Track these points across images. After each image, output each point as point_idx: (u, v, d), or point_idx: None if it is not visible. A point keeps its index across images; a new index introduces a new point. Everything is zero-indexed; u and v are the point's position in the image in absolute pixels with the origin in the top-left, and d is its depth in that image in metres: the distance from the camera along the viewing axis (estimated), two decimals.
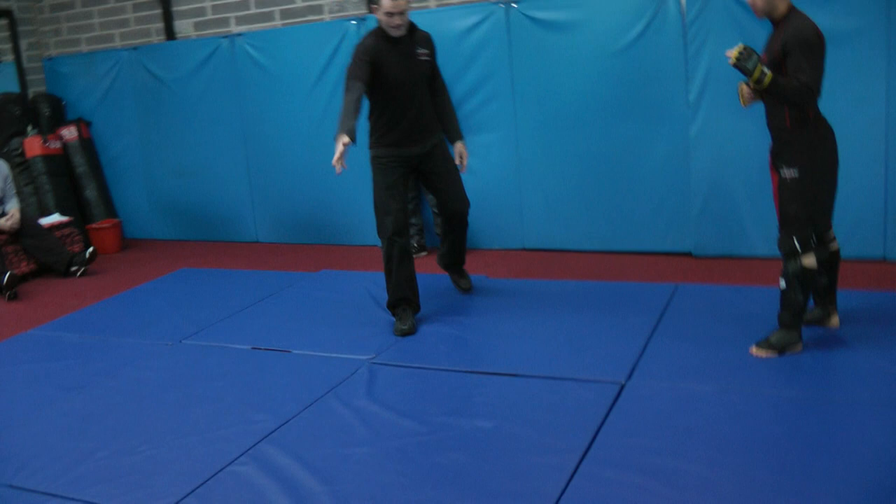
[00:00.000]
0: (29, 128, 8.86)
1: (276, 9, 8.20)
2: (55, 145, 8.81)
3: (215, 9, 8.54)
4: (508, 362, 4.66)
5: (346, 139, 4.73)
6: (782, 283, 4.34)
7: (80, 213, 8.87)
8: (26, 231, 7.60)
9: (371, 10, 5.25)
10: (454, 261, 5.93)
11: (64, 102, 9.23)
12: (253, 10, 8.33)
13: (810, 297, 4.43)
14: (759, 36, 4.65)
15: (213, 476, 3.67)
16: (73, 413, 4.54)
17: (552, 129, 6.84)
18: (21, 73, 9.30)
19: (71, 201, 8.83)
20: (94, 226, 8.77)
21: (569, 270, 6.47)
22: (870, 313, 4.84)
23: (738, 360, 4.38)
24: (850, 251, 5.63)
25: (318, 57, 7.66)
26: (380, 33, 5.17)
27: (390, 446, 3.83)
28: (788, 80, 4.06)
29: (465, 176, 5.68)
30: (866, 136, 5.78)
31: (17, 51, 9.29)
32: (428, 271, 6.36)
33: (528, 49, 6.80)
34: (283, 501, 3.42)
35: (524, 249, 7.20)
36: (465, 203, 5.60)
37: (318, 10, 8.00)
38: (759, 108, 4.47)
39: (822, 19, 4.38)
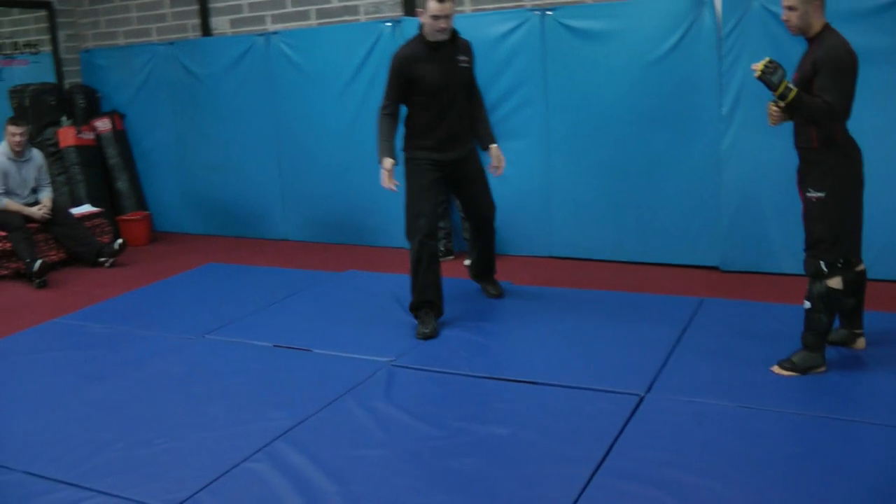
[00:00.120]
0: (63, 118, 8.95)
1: (312, 8, 8.22)
2: (89, 136, 8.90)
3: (252, 6, 8.59)
4: (528, 369, 4.64)
5: (388, 163, 5.16)
6: (807, 304, 4.30)
7: (110, 204, 8.94)
8: (57, 220, 7.68)
9: (416, 14, 5.31)
10: (484, 270, 5.95)
11: (99, 94, 9.32)
12: (289, 9, 8.36)
13: (835, 318, 4.38)
14: (795, 52, 4.61)
15: (226, 472, 3.68)
16: (93, 403, 4.57)
17: (583, 137, 6.81)
18: (58, 64, 9.40)
19: (102, 192, 8.91)
20: (124, 217, 8.84)
21: (595, 280, 6.44)
22: None
23: (759, 378, 4.33)
24: (879, 273, 5.57)
25: (353, 57, 7.68)
26: (420, 39, 5.22)
27: (405, 449, 3.82)
28: (812, 98, 4.03)
29: (494, 182, 5.69)
30: None
31: (54, 42, 9.39)
32: (453, 275, 6.35)
33: (561, 57, 6.78)
34: (295, 500, 3.42)
35: (551, 257, 7.17)
36: (491, 208, 5.66)
37: (353, 10, 8.02)
38: (791, 125, 4.42)
39: (856, 38, 4.32)
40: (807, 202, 4.25)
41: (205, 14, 8.84)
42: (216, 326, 5.70)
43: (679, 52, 6.34)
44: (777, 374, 4.34)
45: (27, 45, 9.28)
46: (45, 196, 7.71)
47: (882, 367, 4.38)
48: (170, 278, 7.17)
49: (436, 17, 5.06)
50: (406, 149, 5.41)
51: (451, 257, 7.37)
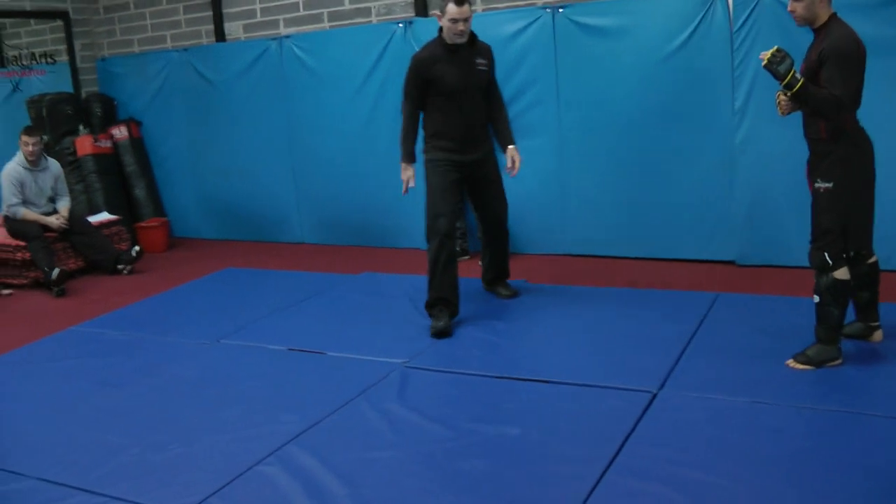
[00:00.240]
0: (81, 127, 9.02)
1: (325, 11, 8.24)
2: (106, 144, 8.96)
3: (264, 11, 8.61)
4: (541, 368, 4.63)
5: (409, 171, 5.40)
6: (816, 298, 4.25)
7: (128, 211, 8.99)
8: (75, 228, 7.72)
9: (435, 16, 5.37)
10: (498, 274, 5.96)
11: (115, 102, 9.38)
12: (302, 13, 8.38)
13: (848, 310, 4.33)
14: (807, 43, 4.56)
15: (238, 476, 3.68)
16: (107, 409, 4.60)
17: (596, 134, 6.79)
18: (75, 73, 9.46)
19: (120, 200, 8.97)
20: (142, 224, 8.89)
21: (610, 277, 6.42)
22: None
23: (774, 373, 4.29)
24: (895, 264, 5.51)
25: (365, 59, 7.69)
26: (439, 42, 5.28)
27: (416, 451, 3.81)
28: (819, 89, 3.99)
29: (508, 180, 5.68)
30: None
31: (71, 52, 9.45)
32: (468, 275, 6.34)
33: (573, 54, 6.76)
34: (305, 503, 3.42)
35: (566, 255, 7.15)
36: (505, 209, 5.70)
37: (365, 12, 8.03)
38: (801, 116, 4.37)
39: (865, 28, 4.28)
40: (815, 193, 4.21)
41: (218, 20, 8.87)
42: (232, 331, 5.72)
43: (691, 47, 6.30)
44: (792, 367, 4.30)
45: (44, 55, 9.35)
46: (63, 206, 7.76)
47: None
48: (187, 284, 7.20)
49: (454, 21, 5.11)
50: (426, 150, 5.44)
51: (467, 257, 7.37)
